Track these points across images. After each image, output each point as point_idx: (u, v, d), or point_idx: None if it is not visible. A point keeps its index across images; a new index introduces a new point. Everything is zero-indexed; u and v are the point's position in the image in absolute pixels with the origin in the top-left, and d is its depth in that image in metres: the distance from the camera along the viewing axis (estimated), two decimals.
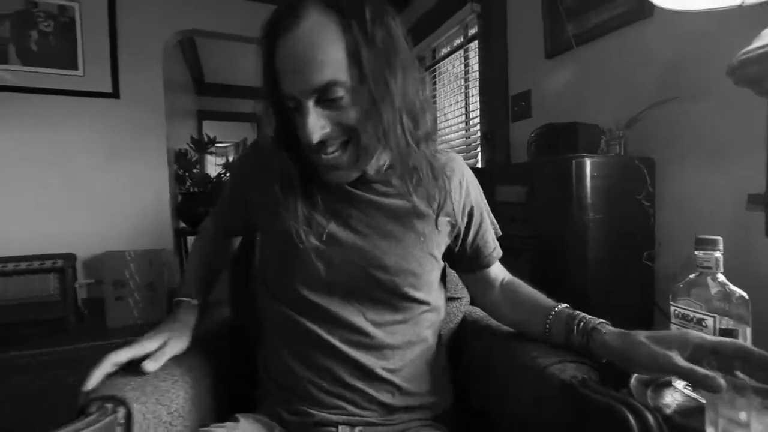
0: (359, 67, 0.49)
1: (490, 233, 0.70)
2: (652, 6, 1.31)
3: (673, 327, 0.58)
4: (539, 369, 0.53)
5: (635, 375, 0.60)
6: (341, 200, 0.60)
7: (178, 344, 0.61)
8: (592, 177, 1.18)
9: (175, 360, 0.60)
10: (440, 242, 0.64)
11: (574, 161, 1.18)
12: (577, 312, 0.60)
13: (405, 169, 0.57)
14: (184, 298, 0.69)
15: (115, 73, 2.53)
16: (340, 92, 0.50)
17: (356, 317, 0.59)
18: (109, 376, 0.54)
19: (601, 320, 0.57)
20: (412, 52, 0.57)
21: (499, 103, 2.04)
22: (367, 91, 0.50)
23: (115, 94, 2.54)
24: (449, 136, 2.54)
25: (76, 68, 2.44)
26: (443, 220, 0.62)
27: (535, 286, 1.28)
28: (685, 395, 0.56)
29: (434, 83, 2.75)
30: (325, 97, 0.50)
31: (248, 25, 2.82)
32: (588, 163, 1.18)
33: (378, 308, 0.60)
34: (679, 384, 0.58)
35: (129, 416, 0.49)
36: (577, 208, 1.18)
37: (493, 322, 0.73)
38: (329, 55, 0.49)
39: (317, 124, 0.51)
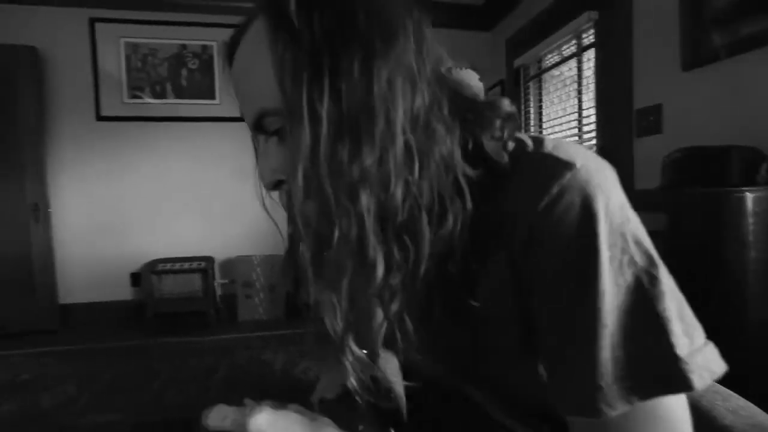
0: (280, 85, 0.34)
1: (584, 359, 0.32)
2: None
3: None
4: None
5: None
6: None
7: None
8: (754, 213, 1.08)
9: None
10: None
11: (732, 197, 1.09)
12: None
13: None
14: None
15: None
16: (275, 123, 0.37)
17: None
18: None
19: None
20: (405, 31, 0.35)
21: (621, 116, 1.93)
22: (290, 118, 0.34)
23: (242, 117, 2.89)
24: None
25: (214, 98, 2.84)
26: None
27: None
28: None
29: (540, 93, 2.67)
30: (266, 130, 0.39)
31: None
32: (749, 198, 1.08)
33: None
34: None
35: None
36: (734, 246, 1.09)
37: None
38: (258, 76, 0.36)
39: (266, 165, 0.39)
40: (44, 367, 2.09)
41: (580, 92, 2.26)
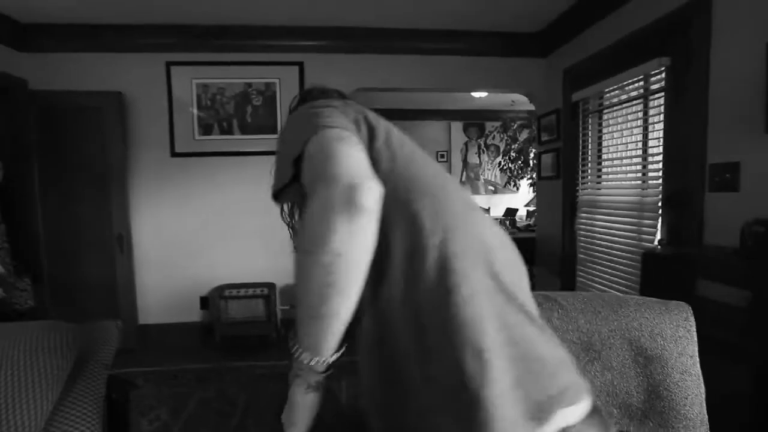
0: None
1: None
2: None
3: None
4: None
5: None
6: None
7: None
8: None
9: None
10: None
11: None
12: None
13: None
14: None
15: None
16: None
17: None
18: None
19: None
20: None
21: (692, 167, 1.89)
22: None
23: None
24: (620, 190, 2.41)
25: (276, 133, 2.99)
26: None
27: (756, 416, 1.23)
28: None
29: (599, 129, 2.63)
30: None
31: (408, 77, 3.11)
32: None
33: None
34: None
35: None
36: None
37: None
38: None
39: None
40: (134, 388, 2.32)
41: (645, 136, 2.22)
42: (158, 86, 2.87)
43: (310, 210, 0.47)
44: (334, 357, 0.55)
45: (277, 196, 0.61)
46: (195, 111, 2.90)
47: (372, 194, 0.46)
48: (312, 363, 0.54)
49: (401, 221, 0.53)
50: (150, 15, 2.64)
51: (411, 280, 0.52)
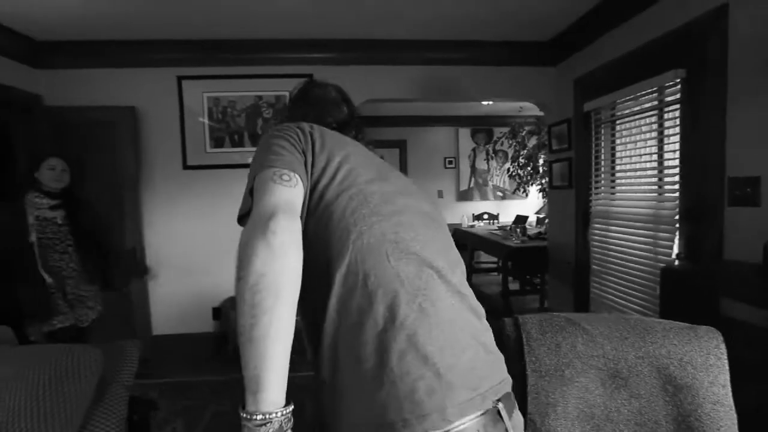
0: None
1: None
2: None
3: None
4: None
5: None
6: None
7: None
8: None
9: None
10: None
11: None
12: None
13: None
14: None
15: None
16: None
17: None
18: None
19: None
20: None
21: (711, 180, 1.87)
22: None
23: None
24: (635, 202, 2.38)
25: None
26: None
27: None
28: None
29: (613, 139, 2.61)
30: None
31: (418, 88, 3.11)
32: None
33: None
34: None
35: None
36: None
37: None
38: None
39: None
40: (154, 409, 2.32)
41: (660, 148, 2.20)
42: (170, 100, 2.89)
43: (240, 239, 0.55)
44: (283, 413, 0.51)
45: (242, 220, 0.65)
46: (206, 121, 2.93)
47: (284, 223, 0.54)
48: (257, 418, 0.50)
49: (330, 250, 0.62)
50: (160, 30, 2.67)
51: (321, 306, 0.62)
